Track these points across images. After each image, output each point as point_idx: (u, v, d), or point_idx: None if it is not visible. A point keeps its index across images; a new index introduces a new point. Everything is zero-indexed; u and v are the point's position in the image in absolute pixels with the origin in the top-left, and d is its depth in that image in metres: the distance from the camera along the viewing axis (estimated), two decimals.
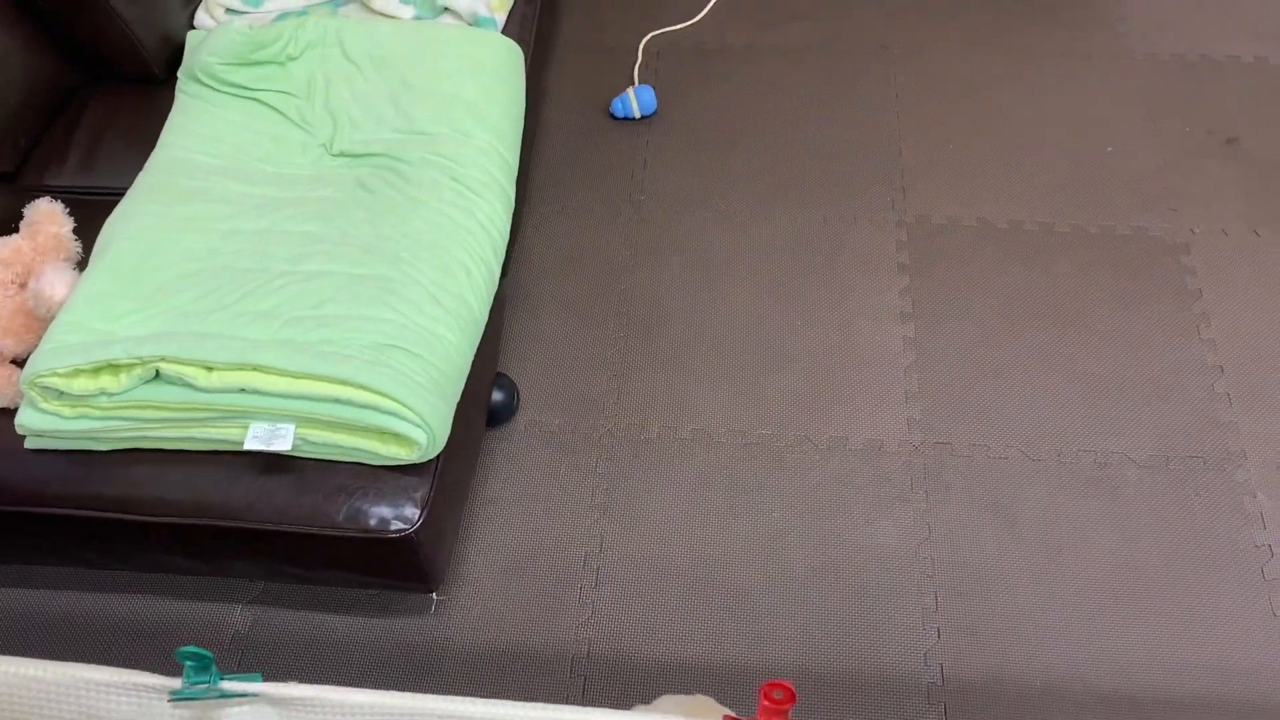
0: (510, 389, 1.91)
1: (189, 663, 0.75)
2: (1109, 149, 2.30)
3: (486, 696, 1.66)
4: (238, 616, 1.74)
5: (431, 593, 1.73)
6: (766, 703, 0.70)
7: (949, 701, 1.63)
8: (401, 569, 1.56)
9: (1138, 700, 1.62)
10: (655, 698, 1.62)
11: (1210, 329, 2.02)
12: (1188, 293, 2.07)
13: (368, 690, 0.81)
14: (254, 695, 0.77)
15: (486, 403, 1.82)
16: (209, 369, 1.39)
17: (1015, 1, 2.61)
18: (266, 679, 0.81)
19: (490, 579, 1.77)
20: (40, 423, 1.43)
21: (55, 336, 1.45)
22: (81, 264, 1.67)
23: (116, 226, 1.61)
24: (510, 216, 1.76)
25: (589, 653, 1.69)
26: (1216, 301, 2.06)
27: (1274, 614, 1.69)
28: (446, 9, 1.98)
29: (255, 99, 1.81)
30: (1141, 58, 2.46)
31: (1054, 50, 2.49)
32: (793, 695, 0.70)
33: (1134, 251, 2.13)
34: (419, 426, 1.40)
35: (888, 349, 2.01)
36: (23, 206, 1.70)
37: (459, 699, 0.85)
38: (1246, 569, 1.74)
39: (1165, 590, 1.72)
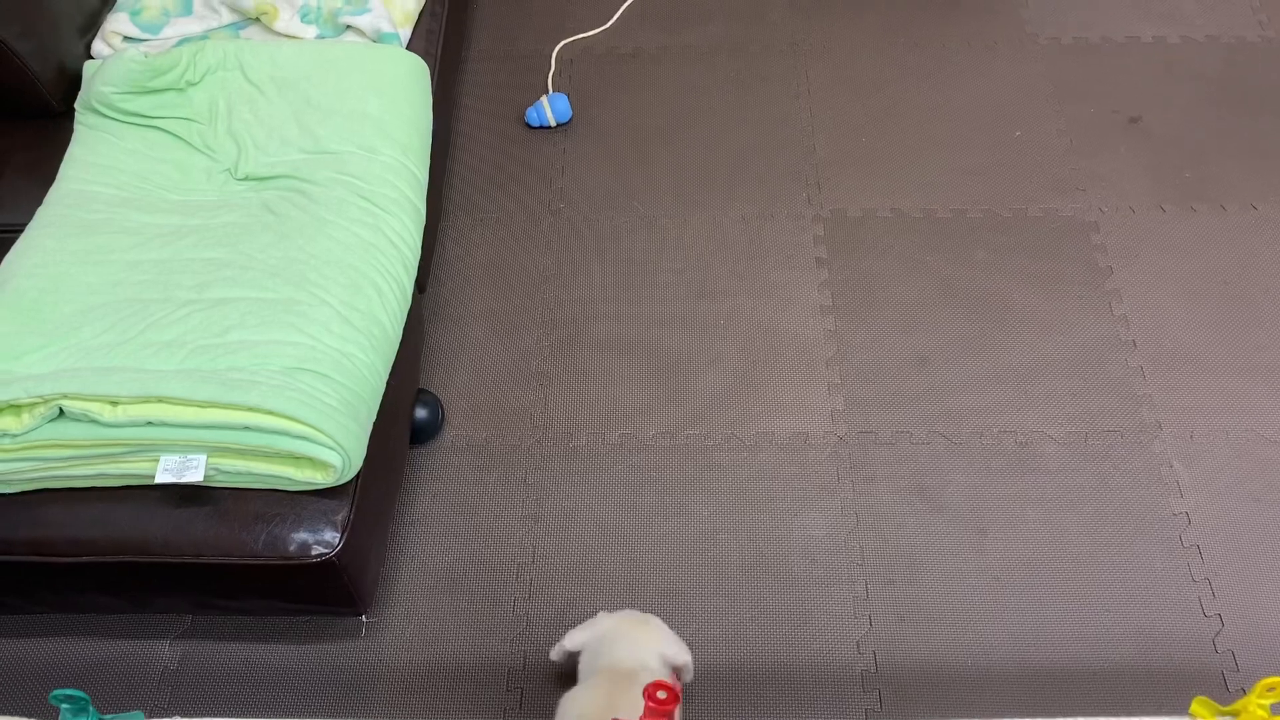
0: (434, 405, 1.90)
1: (65, 705, 0.73)
2: (1017, 133, 2.34)
3: (419, 716, 1.65)
4: (166, 652, 1.71)
5: (361, 615, 1.71)
6: (651, 704, 0.70)
7: (883, 688, 1.64)
8: (327, 594, 1.54)
9: (1067, 674, 1.65)
10: None
11: (1122, 305, 2.06)
12: (1099, 270, 2.11)
13: None
14: None
15: (409, 420, 1.81)
16: (113, 403, 1.37)
17: None
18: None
19: (422, 598, 1.75)
20: None
21: None
22: None
23: (14, 263, 1.58)
24: (421, 231, 1.76)
25: (524, 665, 1.68)
26: (1127, 278, 2.10)
27: (1192, 579, 1.73)
28: (349, 27, 1.97)
29: (155, 127, 1.78)
30: (1045, 42, 2.51)
31: (960, 40, 2.53)
32: (677, 696, 0.70)
33: (1045, 233, 2.17)
34: (332, 449, 1.39)
35: (810, 343, 2.03)
36: None
37: None
38: (1166, 537, 1.78)
39: (1090, 563, 1.76)
